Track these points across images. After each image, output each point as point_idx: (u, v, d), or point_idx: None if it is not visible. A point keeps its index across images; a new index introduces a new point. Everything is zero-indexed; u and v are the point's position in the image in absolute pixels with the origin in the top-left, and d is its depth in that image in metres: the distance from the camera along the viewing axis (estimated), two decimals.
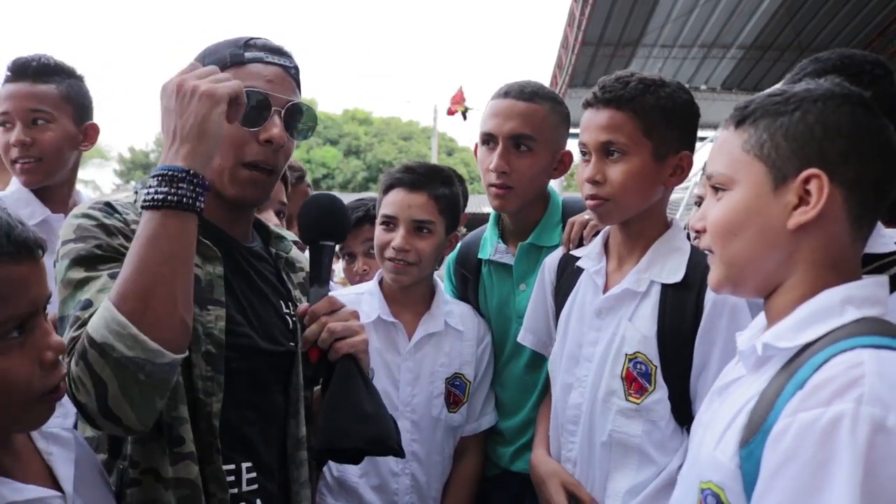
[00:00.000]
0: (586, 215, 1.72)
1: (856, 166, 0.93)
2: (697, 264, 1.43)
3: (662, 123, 1.45)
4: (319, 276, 1.26)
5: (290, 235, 1.50)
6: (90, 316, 1.01)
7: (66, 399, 1.00)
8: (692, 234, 1.56)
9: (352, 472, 1.75)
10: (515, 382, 1.88)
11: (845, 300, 0.92)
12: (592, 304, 1.56)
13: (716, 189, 1.03)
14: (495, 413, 1.90)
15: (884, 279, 0.97)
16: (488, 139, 1.77)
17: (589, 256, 1.61)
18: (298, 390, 1.32)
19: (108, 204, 1.17)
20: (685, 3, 11.37)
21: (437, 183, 1.79)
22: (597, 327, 1.54)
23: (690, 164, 1.52)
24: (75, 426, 1.24)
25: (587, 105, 1.52)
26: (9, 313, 0.87)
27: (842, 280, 0.94)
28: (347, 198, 1.70)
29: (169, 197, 1.00)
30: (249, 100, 1.18)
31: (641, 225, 1.53)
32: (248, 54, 1.24)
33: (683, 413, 1.43)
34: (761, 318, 1.04)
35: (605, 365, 1.50)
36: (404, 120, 36.82)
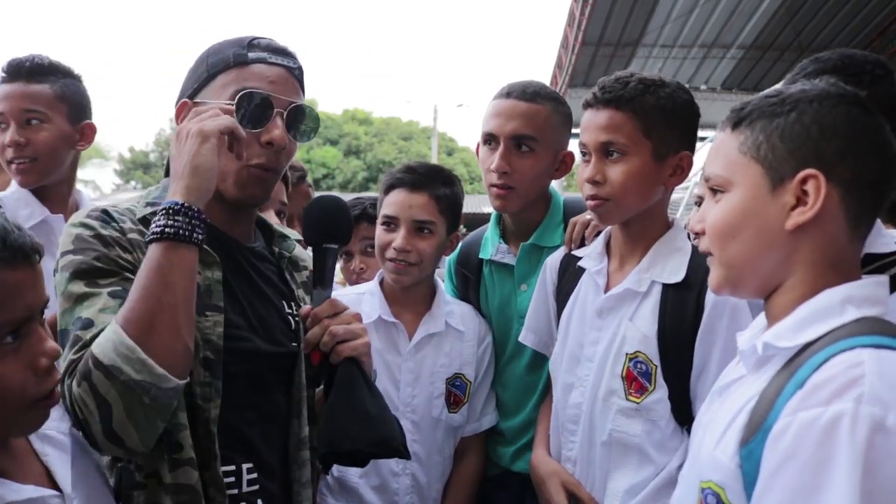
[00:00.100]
0: (588, 215, 1.72)
1: (853, 166, 0.93)
2: (698, 264, 1.43)
3: (662, 123, 1.45)
4: (323, 278, 1.26)
5: (294, 234, 1.49)
6: (91, 337, 1.03)
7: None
8: (692, 236, 1.56)
9: (352, 472, 1.75)
10: (516, 383, 1.88)
11: (845, 300, 0.92)
12: (594, 303, 1.56)
13: (714, 191, 1.03)
14: (496, 413, 1.90)
15: (884, 279, 0.97)
16: (490, 139, 1.77)
17: (590, 256, 1.62)
18: (301, 390, 1.31)
19: (104, 211, 1.18)
20: (685, 3, 11.35)
21: (438, 183, 1.79)
22: (598, 327, 1.54)
23: (690, 165, 1.52)
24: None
25: (587, 105, 1.52)
26: (3, 319, 0.87)
27: (842, 280, 0.94)
28: (347, 198, 1.70)
29: (167, 230, 1.06)
30: (252, 100, 1.19)
31: (642, 225, 1.53)
32: (251, 54, 1.24)
33: (683, 413, 1.43)
34: (762, 318, 1.05)
35: (606, 364, 1.50)
36: (404, 120, 36.76)
